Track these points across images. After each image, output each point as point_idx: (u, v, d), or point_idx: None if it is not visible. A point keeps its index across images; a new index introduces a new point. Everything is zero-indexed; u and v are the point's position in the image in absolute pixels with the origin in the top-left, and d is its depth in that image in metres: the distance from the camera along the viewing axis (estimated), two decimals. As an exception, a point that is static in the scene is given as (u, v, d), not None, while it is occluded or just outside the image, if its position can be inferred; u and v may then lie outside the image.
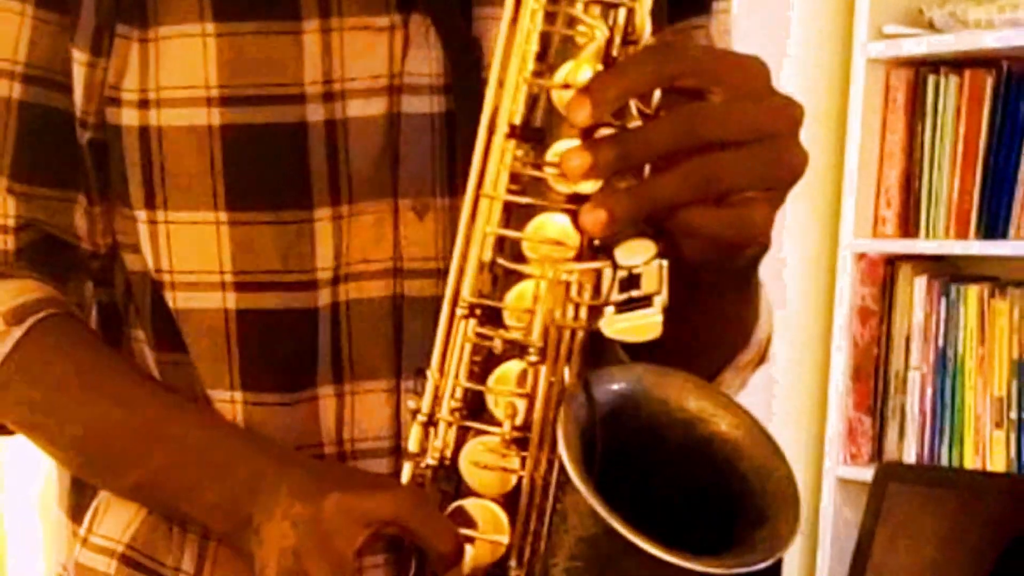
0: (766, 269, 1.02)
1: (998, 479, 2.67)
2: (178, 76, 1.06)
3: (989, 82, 2.85)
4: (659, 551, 0.85)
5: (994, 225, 2.84)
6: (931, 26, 2.92)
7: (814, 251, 2.92)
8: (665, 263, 0.90)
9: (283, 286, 1.08)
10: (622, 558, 0.87)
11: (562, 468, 0.90)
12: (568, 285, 0.91)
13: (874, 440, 2.96)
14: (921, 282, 2.92)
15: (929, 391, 2.92)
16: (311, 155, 1.06)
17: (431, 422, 0.96)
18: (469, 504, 0.95)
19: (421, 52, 1.07)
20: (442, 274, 1.08)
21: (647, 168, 0.90)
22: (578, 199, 0.91)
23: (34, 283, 1.13)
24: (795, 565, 2.93)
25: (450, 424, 0.95)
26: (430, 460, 0.96)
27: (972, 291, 2.88)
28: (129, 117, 1.07)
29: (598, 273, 0.91)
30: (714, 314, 1.01)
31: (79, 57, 1.08)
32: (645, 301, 0.89)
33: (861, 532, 2.36)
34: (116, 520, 1.14)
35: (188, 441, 1.07)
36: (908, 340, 2.96)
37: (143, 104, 1.07)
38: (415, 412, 0.96)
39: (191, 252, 1.08)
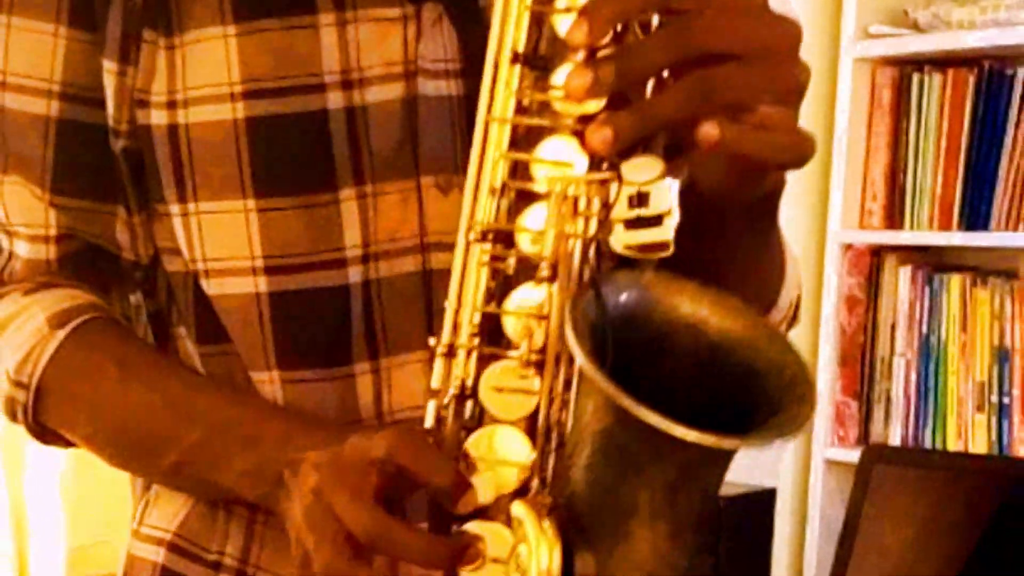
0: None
1: (980, 460, 2.51)
2: (203, 76, 1.07)
3: (971, 80, 2.86)
4: (676, 428, 0.82)
5: (975, 217, 2.83)
6: (915, 26, 2.92)
7: (803, 242, 2.90)
8: (676, 182, 0.88)
9: (313, 266, 1.08)
10: (639, 444, 0.86)
11: (572, 363, 0.89)
12: (577, 200, 0.90)
13: (861, 423, 2.96)
14: (906, 272, 2.92)
15: (913, 376, 2.92)
16: (333, 140, 1.07)
17: (451, 352, 0.94)
18: (489, 431, 0.93)
19: (435, 39, 1.08)
20: None
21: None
22: (584, 121, 0.90)
23: (76, 291, 1.14)
24: (785, 542, 2.92)
25: (469, 352, 0.94)
26: (452, 390, 0.94)
27: (955, 280, 2.88)
28: (158, 117, 1.08)
29: (607, 190, 0.89)
30: (735, 257, 0.99)
31: (109, 67, 1.09)
32: (655, 220, 0.88)
33: (848, 511, 2.34)
34: (165, 510, 1.16)
35: (219, 416, 1.07)
36: (893, 327, 2.95)
37: (171, 105, 1.08)
38: (434, 348, 0.95)
39: (222, 240, 1.09)
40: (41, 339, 1.10)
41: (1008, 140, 2.81)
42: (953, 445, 2.86)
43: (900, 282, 2.92)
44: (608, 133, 0.87)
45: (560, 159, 0.90)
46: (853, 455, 2.57)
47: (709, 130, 0.86)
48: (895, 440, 2.87)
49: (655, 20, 0.88)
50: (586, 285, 0.89)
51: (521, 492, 0.92)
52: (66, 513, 2.83)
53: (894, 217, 2.90)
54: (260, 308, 1.09)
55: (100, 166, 1.11)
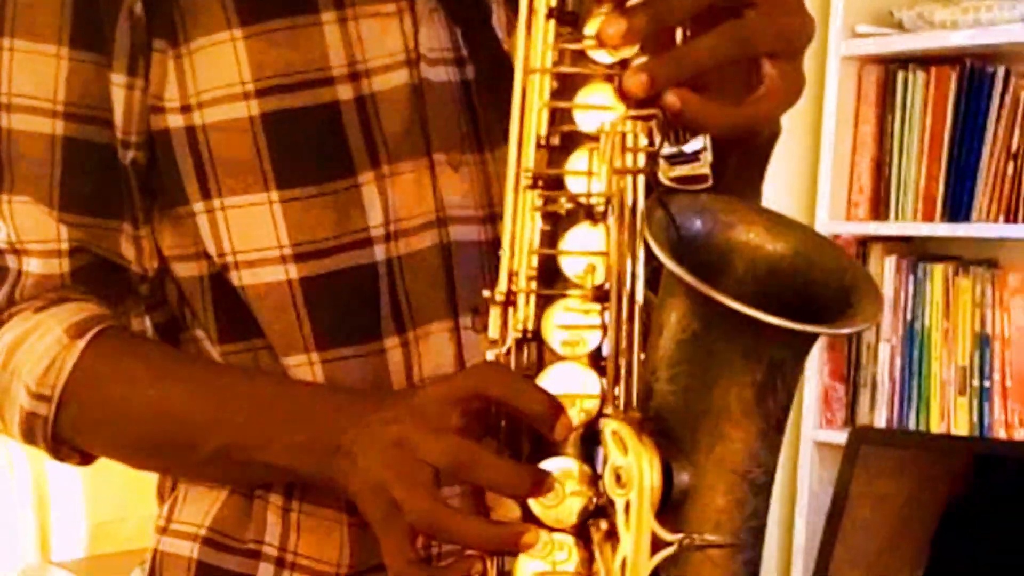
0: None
1: (962, 442, 2.60)
2: (214, 78, 1.08)
3: (953, 78, 2.86)
4: (767, 316, 0.82)
5: (958, 209, 2.84)
6: (900, 26, 2.92)
7: (792, 232, 2.97)
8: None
9: (341, 249, 1.09)
10: (729, 343, 0.86)
11: (662, 281, 0.88)
12: (624, 136, 0.90)
13: (847, 406, 2.96)
14: (891, 261, 2.92)
15: (898, 361, 2.92)
16: (347, 128, 1.08)
17: (509, 301, 0.94)
18: (559, 369, 0.92)
19: (432, 29, 1.10)
20: (482, 220, 1.12)
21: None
22: (619, 68, 0.91)
23: (88, 303, 1.13)
24: (775, 522, 2.91)
25: (528, 295, 0.93)
26: (514, 334, 0.93)
27: (938, 269, 2.89)
28: (174, 121, 1.09)
29: (649, 129, 0.90)
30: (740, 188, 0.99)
31: (117, 80, 1.09)
32: (693, 156, 0.90)
33: (835, 491, 2.23)
34: (195, 507, 1.15)
35: (263, 396, 1.07)
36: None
37: (185, 109, 1.08)
38: (491, 297, 0.94)
39: (249, 232, 1.09)
40: (62, 349, 1.09)
41: (989, 135, 2.82)
42: (936, 427, 2.86)
43: (885, 271, 2.91)
44: (644, 78, 0.88)
45: (599, 103, 0.91)
46: (840, 437, 2.60)
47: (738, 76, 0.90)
48: (880, 422, 2.87)
49: None
50: (653, 203, 0.90)
51: (594, 423, 0.91)
52: (86, 490, 2.76)
53: (879, 209, 2.90)
54: (293, 294, 1.09)
55: (105, 183, 1.11)
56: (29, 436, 1.12)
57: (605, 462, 0.88)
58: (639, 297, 0.90)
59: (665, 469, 0.86)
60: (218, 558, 1.13)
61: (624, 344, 0.90)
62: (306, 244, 1.09)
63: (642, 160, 0.90)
